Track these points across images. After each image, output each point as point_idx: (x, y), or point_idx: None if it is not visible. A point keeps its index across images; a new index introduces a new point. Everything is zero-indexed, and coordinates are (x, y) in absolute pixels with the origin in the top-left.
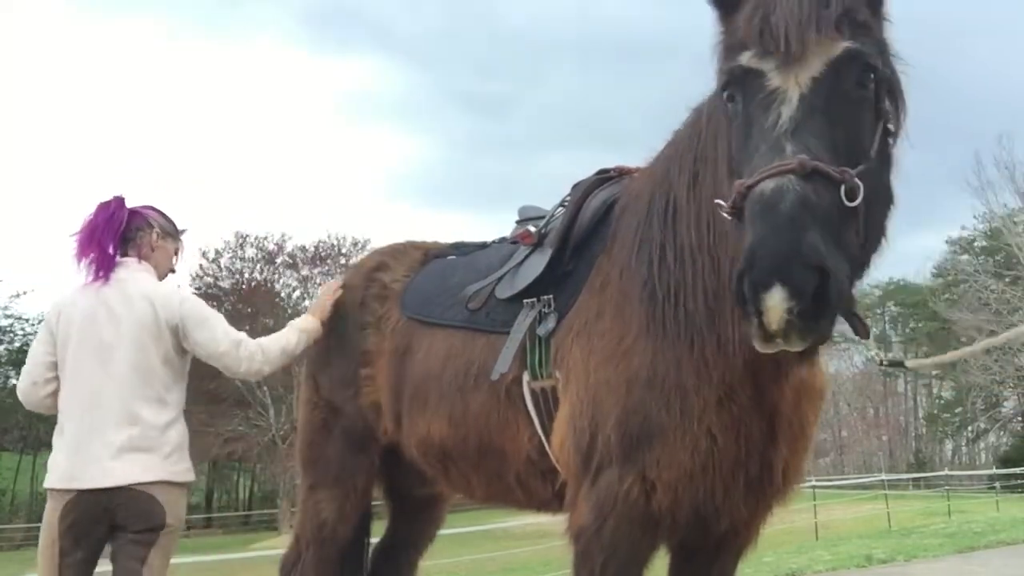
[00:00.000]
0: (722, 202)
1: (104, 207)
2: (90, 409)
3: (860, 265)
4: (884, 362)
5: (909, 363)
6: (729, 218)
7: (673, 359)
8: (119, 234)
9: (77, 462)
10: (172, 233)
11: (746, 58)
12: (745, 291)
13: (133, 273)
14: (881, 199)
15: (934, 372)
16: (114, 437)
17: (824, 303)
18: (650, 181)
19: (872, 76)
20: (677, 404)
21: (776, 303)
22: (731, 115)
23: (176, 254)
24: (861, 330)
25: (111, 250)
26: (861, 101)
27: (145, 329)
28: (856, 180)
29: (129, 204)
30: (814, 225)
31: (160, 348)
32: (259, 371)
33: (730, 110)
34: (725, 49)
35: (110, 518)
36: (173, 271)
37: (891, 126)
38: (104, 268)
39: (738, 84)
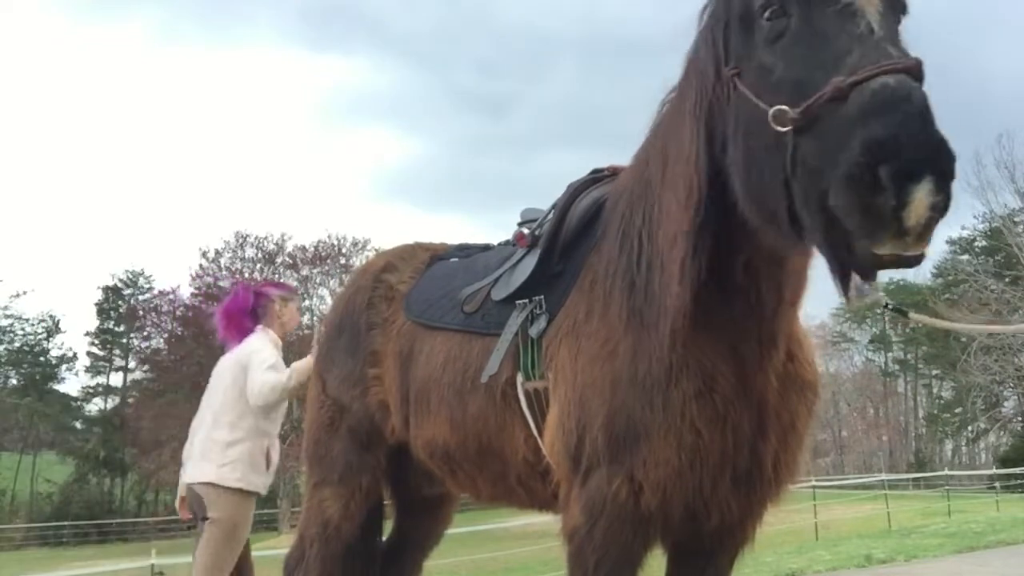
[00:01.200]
0: (786, 108)
1: (234, 296)
2: (198, 429)
3: None
4: (889, 305)
5: (913, 315)
6: (784, 130)
7: (648, 351)
8: (251, 313)
9: (189, 464)
10: (288, 298)
11: None
12: (885, 181)
13: (251, 336)
14: None
15: (934, 372)
16: (198, 448)
17: (948, 206)
18: (632, 173)
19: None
20: (659, 400)
21: (924, 195)
22: (773, 35)
23: (298, 311)
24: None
25: (249, 326)
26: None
27: (229, 373)
28: None
29: (252, 286)
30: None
31: (236, 387)
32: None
33: (771, 29)
34: None
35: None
36: (299, 323)
37: None
38: (237, 338)
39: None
